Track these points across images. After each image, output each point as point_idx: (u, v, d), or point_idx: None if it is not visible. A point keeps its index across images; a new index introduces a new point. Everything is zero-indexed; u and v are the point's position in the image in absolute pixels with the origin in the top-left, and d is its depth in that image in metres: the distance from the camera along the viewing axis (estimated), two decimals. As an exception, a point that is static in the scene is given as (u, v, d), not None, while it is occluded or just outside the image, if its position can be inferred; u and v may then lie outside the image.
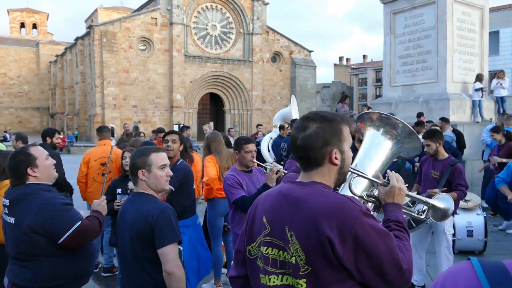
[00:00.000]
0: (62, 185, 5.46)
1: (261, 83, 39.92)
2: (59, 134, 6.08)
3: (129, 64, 34.30)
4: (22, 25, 61.81)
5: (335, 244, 1.42)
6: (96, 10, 55.70)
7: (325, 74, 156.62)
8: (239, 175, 3.94)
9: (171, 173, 2.71)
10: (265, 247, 1.60)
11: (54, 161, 2.93)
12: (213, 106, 41.47)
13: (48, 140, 5.73)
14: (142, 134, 9.51)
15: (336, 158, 1.57)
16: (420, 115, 9.74)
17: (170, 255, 2.37)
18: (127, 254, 2.53)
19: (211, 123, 34.93)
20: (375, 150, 2.20)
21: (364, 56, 70.05)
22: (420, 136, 2.59)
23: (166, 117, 36.04)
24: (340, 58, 69.84)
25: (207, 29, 37.83)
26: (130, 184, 3.24)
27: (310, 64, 43.53)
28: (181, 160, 4.31)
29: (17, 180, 2.74)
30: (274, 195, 1.66)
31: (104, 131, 6.21)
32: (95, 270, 5.68)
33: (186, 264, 3.80)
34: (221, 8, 38.47)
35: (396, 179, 1.79)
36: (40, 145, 5.46)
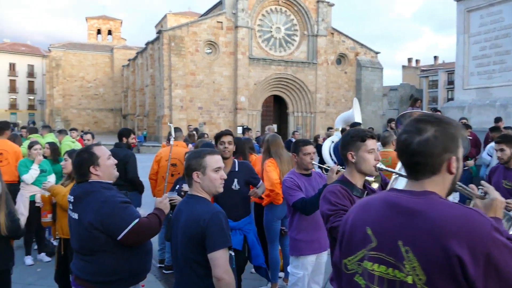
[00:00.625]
0: (135, 182, 5.69)
1: (325, 86, 39.39)
2: (134, 134, 6.33)
3: (195, 67, 35.27)
4: (99, 31, 65.86)
5: (467, 264, 1.25)
6: (165, 16, 57.98)
7: (392, 77, 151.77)
8: (298, 178, 3.82)
9: (225, 176, 2.67)
10: (371, 263, 1.45)
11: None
12: (276, 109, 41.54)
13: (124, 140, 5.96)
14: (206, 136, 9.66)
15: (453, 166, 1.42)
16: (498, 120, 9.01)
17: (220, 261, 2.33)
18: (179, 255, 2.53)
19: (275, 125, 35.04)
20: None
21: (435, 57, 66.95)
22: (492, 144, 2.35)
23: (231, 118, 36.63)
24: (409, 60, 67.31)
25: (271, 31, 37.99)
26: (185, 186, 3.25)
27: (377, 66, 42.30)
28: (236, 160, 4.32)
29: (81, 177, 2.86)
30: (378, 204, 1.50)
31: (177, 132, 6.38)
32: (160, 265, 5.83)
33: (258, 254, 3.91)
34: (285, 11, 38.46)
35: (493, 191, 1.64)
36: (116, 144, 5.87)
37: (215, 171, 2.58)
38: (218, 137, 4.37)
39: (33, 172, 5.91)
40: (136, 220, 2.66)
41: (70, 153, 4.46)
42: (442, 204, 1.36)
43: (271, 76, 37.57)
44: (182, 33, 34.74)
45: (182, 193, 3.12)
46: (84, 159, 2.84)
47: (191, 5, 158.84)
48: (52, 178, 5.93)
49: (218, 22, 35.86)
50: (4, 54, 64.90)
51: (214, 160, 2.60)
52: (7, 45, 68.17)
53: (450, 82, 54.22)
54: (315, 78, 38.84)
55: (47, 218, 4.42)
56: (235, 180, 4.05)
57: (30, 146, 6.15)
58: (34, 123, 21.17)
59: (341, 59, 41.37)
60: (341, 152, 2.65)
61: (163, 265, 5.83)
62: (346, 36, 41.40)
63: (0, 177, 3.34)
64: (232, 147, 4.27)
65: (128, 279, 2.81)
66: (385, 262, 1.41)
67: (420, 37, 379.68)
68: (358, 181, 2.62)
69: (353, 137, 2.59)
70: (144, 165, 7.77)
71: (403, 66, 66.98)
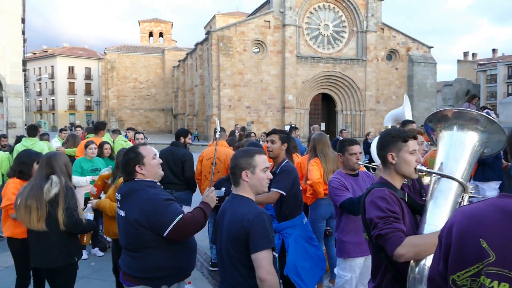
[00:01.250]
0: (190, 181, 5.87)
1: (375, 83, 38.46)
2: (191, 134, 6.50)
3: (243, 67, 35.53)
4: (150, 34, 67.88)
5: None
6: (214, 17, 58.83)
7: (446, 72, 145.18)
8: (344, 178, 3.73)
9: (271, 176, 2.67)
10: (489, 280, 1.32)
11: (161, 161, 3.07)
12: (324, 107, 41.04)
13: (182, 139, 6.13)
14: (253, 135, 9.67)
15: None
16: None
17: (263, 262, 2.31)
18: (223, 254, 2.54)
19: (323, 124, 34.64)
20: (459, 150, 1.92)
21: (493, 50, 63.54)
22: None
23: (278, 117, 36.60)
24: (465, 54, 64.33)
25: (319, 29, 37.57)
26: (217, 191, 3.27)
27: (430, 61, 40.76)
28: (286, 160, 4.20)
29: (127, 175, 2.96)
30: (491, 213, 1.36)
31: (220, 132, 6.47)
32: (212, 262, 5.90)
33: (298, 264, 3.74)
34: (333, 7, 37.90)
35: None
36: (173, 143, 6.08)
37: (263, 171, 2.57)
38: (267, 135, 4.39)
39: (83, 181, 6.20)
40: (180, 216, 2.71)
41: (119, 151, 4.65)
42: None
43: (319, 74, 37.16)
44: (230, 33, 35.11)
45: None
46: (130, 159, 2.92)
47: (239, 5, 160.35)
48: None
49: (265, 21, 35.92)
50: (64, 58, 68.54)
51: (262, 160, 2.60)
52: (66, 49, 71.94)
53: (511, 76, 51.29)
54: (365, 75, 38.01)
55: (94, 191, 4.78)
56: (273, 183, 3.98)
57: (86, 146, 6.43)
58: (93, 123, 22.21)
59: (391, 55, 40.20)
60: (379, 152, 2.52)
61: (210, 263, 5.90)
62: (397, 31, 40.17)
63: (62, 174, 3.49)
64: (275, 146, 4.16)
65: (173, 276, 2.87)
66: (509, 280, 1.28)
67: (476, 30, 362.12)
68: (397, 183, 2.50)
69: (394, 137, 2.45)
70: (194, 165, 7.92)
71: (458, 61, 64.13)
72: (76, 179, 6.16)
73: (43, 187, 3.36)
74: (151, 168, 2.96)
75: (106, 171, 5.00)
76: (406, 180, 2.79)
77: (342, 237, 3.73)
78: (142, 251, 2.80)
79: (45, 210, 3.34)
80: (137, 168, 2.90)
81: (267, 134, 4.40)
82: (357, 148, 3.78)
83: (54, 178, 3.42)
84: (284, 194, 3.84)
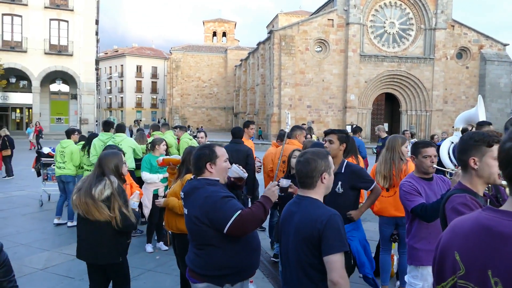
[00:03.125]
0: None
1: (443, 82, 36.70)
2: (253, 124, 6.92)
3: (305, 66, 35.29)
4: (214, 34, 69.29)
5: None
6: (277, 16, 58.92)
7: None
8: (417, 182, 3.55)
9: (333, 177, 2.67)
10: None
11: (230, 166, 3.10)
12: (388, 107, 39.79)
13: (245, 130, 6.89)
14: (308, 136, 9.60)
15: None
16: None
17: (336, 264, 2.27)
18: (291, 258, 2.50)
19: (385, 125, 33.57)
20: None
21: None
22: None
23: (339, 117, 35.99)
24: (545, 51, 59.51)
25: (384, 27, 36.44)
26: (283, 182, 3.19)
27: (505, 59, 38.21)
28: (346, 160, 4.12)
29: (196, 170, 3.00)
30: (468, 226, 1.33)
31: (293, 131, 6.64)
32: (276, 260, 5.89)
33: (364, 263, 3.74)
34: (400, 4, 36.59)
35: None
36: (235, 140, 6.35)
37: (332, 173, 2.63)
38: (325, 134, 4.30)
39: (154, 178, 6.38)
40: (238, 212, 2.70)
41: (185, 150, 4.71)
42: None
43: (383, 73, 36.08)
44: (293, 32, 34.98)
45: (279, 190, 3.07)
46: (204, 155, 2.96)
47: (302, 4, 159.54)
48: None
49: (328, 19, 35.41)
50: (132, 57, 71.80)
51: (332, 161, 2.65)
52: (135, 49, 75.29)
53: None
54: (432, 74, 36.37)
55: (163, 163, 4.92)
56: (339, 183, 3.86)
57: (154, 143, 6.63)
58: (158, 121, 23.01)
59: (462, 53, 38.14)
60: (460, 156, 2.39)
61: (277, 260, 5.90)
62: (469, 28, 38.03)
63: (112, 173, 3.58)
64: (333, 146, 4.06)
65: (236, 274, 2.86)
66: None
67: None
68: (479, 190, 2.36)
69: (478, 141, 2.32)
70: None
71: (537, 59, 59.61)
72: (146, 175, 6.37)
73: (93, 187, 3.45)
74: (220, 170, 2.99)
75: (178, 157, 5.15)
76: (487, 188, 2.62)
77: (413, 243, 3.57)
78: (206, 248, 2.84)
79: (101, 204, 3.42)
80: (207, 165, 2.94)
81: (326, 134, 4.29)
82: (432, 151, 3.58)
83: (107, 180, 3.49)
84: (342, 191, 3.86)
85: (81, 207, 3.45)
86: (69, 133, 8.29)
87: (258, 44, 42.77)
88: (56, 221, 7.74)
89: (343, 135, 4.14)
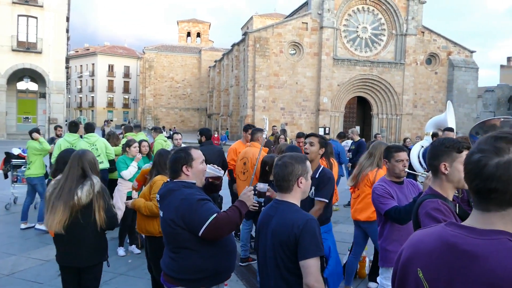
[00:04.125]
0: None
1: (413, 87, 37.57)
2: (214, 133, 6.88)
3: (279, 68, 35.47)
4: (188, 34, 68.88)
5: None
6: (251, 18, 59.07)
7: (487, 77, 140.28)
8: (389, 186, 3.64)
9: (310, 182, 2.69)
10: None
11: (206, 168, 3.09)
12: (360, 110, 40.44)
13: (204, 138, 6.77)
14: (282, 137, 9.66)
15: None
16: None
17: (312, 269, 2.29)
18: (268, 262, 2.52)
19: (357, 128, 34.13)
20: None
21: (539, 56, 60.79)
22: None
23: (312, 120, 36.33)
24: (508, 59, 61.81)
25: (357, 31, 37.04)
26: (260, 186, 3.20)
27: (472, 65, 39.45)
28: (322, 166, 4.17)
29: (172, 174, 2.99)
30: (432, 242, 1.28)
31: (255, 134, 6.57)
32: (241, 264, 5.91)
33: (336, 270, 3.69)
34: (373, 10, 37.27)
35: None
36: (207, 142, 6.33)
37: (310, 177, 2.63)
38: (305, 137, 4.35)
39: (132, 169, 6.29)
40: (214, 216, 2.70)
41: (156, 152, 4.69)
42: (510, 251, 1.10)
43: (355, 77, 36.64)
44: (267, 34, 35.12)
45: (256, 192, 3.07)
46: (180, 158, 2.96)
47: (276, 7, 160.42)
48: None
49: (303, 23, 35.72)
50: (104, 56, 70.56)
51: (310, 166, 2.66)
52: (107, 48, 74.01)
53: (558, 84, 48.97)
54: (402, 79, 37.18)
55: (138, 190, 4.73)
56: (313, 188, 3.90)
57: (128, 144, 6.54)
58: (129, 122, 22.65)
59: (431, 58, 39.15)
60: (431, 161, 2.47)
61: (244, 264, 5.91)
62: (438, 34, 39.09)
63: (96, 174, 3.52)
64: (314, 148, 4.12)
65: (212, 278, 2.85)
66: None
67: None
68: (449, 194, 2.43)
69: (448, 147, 2.39)
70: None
71: (502, 66, 61.69)
72: (125, 172, 6.32)
73: (74, 191, 3.32)
74: (197, 172, 2.99)
75: (147, 166, 5.10)
76: (457, 191, 2.70)
77: (386, 245, 3.64)
78: (181, 252, 2.82)
79: (68, 214, 3.30)
80: (184, 168, 2.94)
81: (306, 136, 4.38)
82: (404, 155, 3.67)
83: (90, 181, 3.38)
84: (327, 202, 3.87)
85: (46, 216, 3.34)
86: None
87: (233, 45, 42.74)
88: (23, 226, 7.48)
89: (323, 140, 4.22)
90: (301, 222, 2.36)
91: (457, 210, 2.37)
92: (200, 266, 2.79)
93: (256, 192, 3.02)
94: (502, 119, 2.15)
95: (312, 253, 2.31)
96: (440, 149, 2.42)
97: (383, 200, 3.52)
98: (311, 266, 2.29)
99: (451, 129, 6.82)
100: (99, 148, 7.26)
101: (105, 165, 7.29)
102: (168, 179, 3.08)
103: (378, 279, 3.88)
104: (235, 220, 2.80)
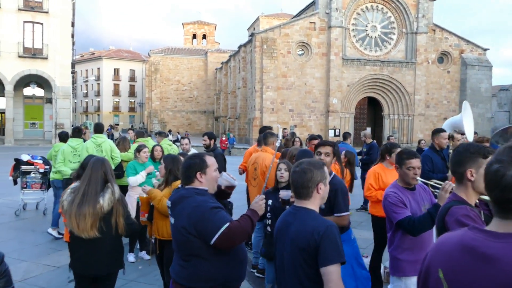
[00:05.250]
0: None
1: (424, 86, 37.37)
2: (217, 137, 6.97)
3: (287, 69, 35.48)
4: (194, 36, 69.19)
5: None
6: (258, 18, 59.18)
7: (500, 75, 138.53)
8: (401, 193, 3.59)
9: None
10: None
11: (219, 175, 3.12)
12: (371, 111, 40.30)
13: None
14: (297, 139, 9.63)
15: None
16: None
17: (333, 276, 2.29)
18: (287, 269, 2.52)
19: (368, 129, 34.00)
20: None
21: (555, 52, 60.10)
22: None
23: (322, 121, 36.28)
24: (523, 56, 61.17)
25: (366, 30, 36.96)
26: (283, 193, 3.21)
27: (485, 64, 39.14)
28: (334, 173, 4.13)
29: (185, 180, 3.00)
30: (452, 245, 1.34)
31: (267, 138, 6.46)
32: (252, 270, 5.93)
33: (345, 283, 3.69)
34: (382, 8, 37.19)
35: None
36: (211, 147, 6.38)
37: (328, 183, 2.65)
38: (316, 146, 4.30)
39: (140, 178, 6.35)
40: (227, 224, 2.72)
41: (166, 158, 4.72)
42: None
43: (365, 77, 36.55)
44: (274, 35, 35.18)
45: (280, 200, 3.09)
46: (195, 164, 2.97)
47: (283, 7, 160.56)
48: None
49: (310, 22, 35.73)
50: (109, 60, 71.08)
51: (327, 171, 2.67)
52: (112, 52, 74.56)
53: None
54: (414, 78, 37.00)
55: (144, 217, 4.73)
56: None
57: (138, 150, 6.61)
58: (132, 127, 22.75)
59: (443, 57, 38.92)
60: (455, 168, 2.46)
61: (255, 270, 5.92)
62: (450, 32, 38.85)
63: (113, 180, 3.58)
64: (329, 159, 4.14)
65: (223, 286, 2.87)
66: None
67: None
68: (472, 201, 2.43)
69: (474, 153, 2.39)
70: (235, 168, 7.99)
71: (516, 64, 61.22)
72: (131, 179, 6.37)
73: (99, 194, 3.39)
74: (211, 179, 3.01)
75: (143, 192, 4.79)
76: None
77: (397, 254, 3.63)
78: (192, 260, 2.84)
79: (97, 217, 3.38)
80: (198, 175, 2.95)
81: (318, 145, 4.28)
82: (416, 162, 3.62)
83: (111, 188, 3.46)
84: (347, 213, 3.85)
85: (72, 223, 3.37)
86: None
87: (239, 47, 42.85)
88: (53, 232, 7.51)
89: (337, 149, 4.22)
90: (321, 229, 2.38)
91: (482, 217, 2.38)
92: (211, 275, 2.81)
93: (280, 200, 3.04)
94: None
95: (333, 260, 2.32)
96: (465, 155, 2.42)
97: (396, 209, 3.49)
98: (332, 273, 2.29)
99: (441, 130, 6.72)
100: (104, 150, 7.33)
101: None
102: (179, 185, 3.11)
103: (388, 287, 3.87)
104: (247, 229, 2.82)
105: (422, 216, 3.34)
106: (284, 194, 3.04)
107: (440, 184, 3.56)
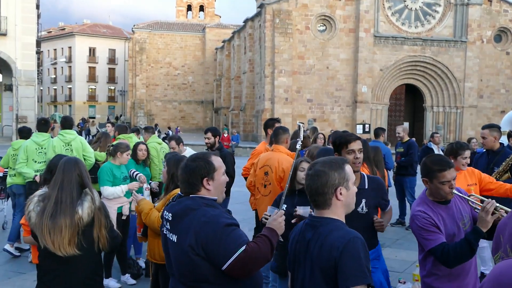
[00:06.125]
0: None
1: (477, 71, 37.20)
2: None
3: (304, 49, 35.47)
4: (189, 7, 69.13)
5: None
6: (268, -15, 59.10)
7: None
8: (432, 211, 3.53)
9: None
10: None
11: (227, 179, 3.11)
12: (409, 102, 40.20)
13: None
14: (321, 136, 9.63)
15: None
16: None
17: None
18: None
19: (406, 124, 33.88)
20: None
21: None
22: None
23: (348, 114, 36.24)
24: None
25: (405, 1, 36.81)
26: (301, 210, 3.17)
27: (554, 43, 38.86)
28: (363, 173, 4.22)
29: (189, 187, 2.94)
30: None
31: (279, 135, 6.40)
32: None
33: None
34: (425, -27, 37.03)
35: None
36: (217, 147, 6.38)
37: (353, 184, 2.62)
38: (343, 143, 4.20)
39: (119, 192, 6.31)
40: (243, 248, 2.70)
41: (169, 160, 4.67)
42: None
43: (403, 60, 36.45)
44: (289, 6, 35.16)
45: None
46: (199, 168, 2.91)
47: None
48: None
49: (335, -10, 35.66)
50: (84, 37, 71.31)
51: (350, 170, 2.64)
52: (87, 27, 74.83)
53: None
54: (464, 61, 36.86)
55: (139, 233, 4.73)
56: (363, 201, 3.91)
57: (116, 149, 6.58)
58: (117, 118, 22.87)
59: (501, 35, 38.72)
60: None
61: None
62: (510, 3, 38.62)
63: (90, 185, 3.58)
64: (361, 156, 4.14)
65: None
66: None
67: None
68: None
69: None
70: (240, 171, 7.96)
71: None
72: (108, 190, 6.27)
73: (76, 202, 3.37)
74: (219, 186, 2.99)
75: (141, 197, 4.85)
76: None
77: (430, 282, 3.61)
78: (200, 286, 2.82)
79: (76, 230, 3.35)
80: (204, 181, 2.91)
81: (345, 142, 4.26)
82: (452, 174, 3.51)
83: (91, 194, 3.45)
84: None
85: (44, 239, 3.33)
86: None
87: (245, 21, 42.89)
88: (10, 249, 7.51)
89: (365, 141, 4.23)
90: (341, 242, 2.37)
91: None
92: None
93: (295, 215, 3.03)
94: None
95: (355, 281, 2.29)
96: None
97: (426, 234, 3.45)
98: None
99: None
100: (75, 149, 7.33)
101: None
102: (181, 193, 3.05)
103: None
104: (266, 254, 2.79)
105: (458, 245, 3.30)
106: (302, 211, 3.01)
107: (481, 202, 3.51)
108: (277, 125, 7.06)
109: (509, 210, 3.22)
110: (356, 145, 4.06)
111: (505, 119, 7.62)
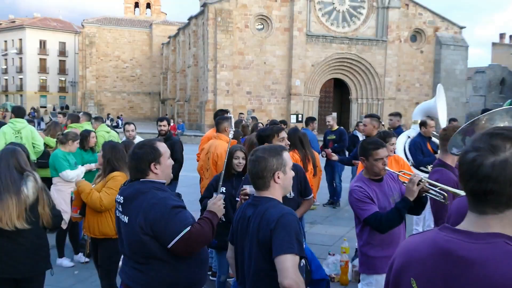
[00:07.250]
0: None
1: (396, 67, 38.40)
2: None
3: (244, 46, 35.43)
4: (136, 5, 67.54)
5: None
6: (211, -14, 58.50)
7: (477, 56, 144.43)
8: (367, 186, 3.74)
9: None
10: None
11: (173, 162, 3.14)
12: (337, 94, 41.03)
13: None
14: (260, 125, 9.73)
15: None
16: None
17: (285, 264, 2.27)
18: (252, 269, 2.55)
19: (335, 114, 34.62)
20: None
21: (534, 33, 63.25)
22: None
23: (283, 105, 36.59)
24: (501, 35, 64.07)
25: (333, 3, 37.37)
26: (249, 188, 3.25)
27: (461, 43, 40.64)
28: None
29: (137, 173, 2.94)
30: (425, 249, 1.35)
31: (219, 124, 6.49)
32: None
33: (319, 264, 3.79)
34: (351, -22, 37.72)
35: None
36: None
37: (291, 169, 2.68)
38: (275, 132, 4.47)
39: (79, 173, 6.19)
40: (187, 229, 2.73)
41: (104, 145, 4.67)
42: (509, 255, 1.19)
43: (331, 56, 37.09)
44: (230, 6, 34.96)
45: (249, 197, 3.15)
46: (146, 154, 2.91)
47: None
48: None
49: (271, -8, 35.75)
50: (34, 30, 68.26)
51: (289, 157, 2.71)
52: (37, 20, 71.63)
53: (553, 64, 51.12)
54: (384, 58, 37.90)
55: (76, 214, 4.69)
56: None
57: (67, 137, 6.42)
58: (67, 107, 22.18)
59: (416, 35, 40.05)
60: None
61: (209, 272, 5.98)
62: (424, 8, 39.95)
63: (35, 168, 3.56)
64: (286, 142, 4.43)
65: None
66: None
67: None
68: None
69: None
70: (187, 157, 7.95)
71: (493, 44, 63.84)
72: (71, 173, 6.13)
73: (19, 182, 3.37)
74: (166, 169, 3.00)
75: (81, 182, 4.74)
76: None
77: (366, 251, 3.80)
78: (150, 263, 2.83)
79: (23, 207, 3.34)
80: (152, 166, 2.91)
81: (274, 133, 4.55)
82: (384, 152, 3.75)
83: (32, 175, 3.46)
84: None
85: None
86: None
87: (190, 18, 42.30)
88: None
89: (294, 136, 4.43)
90: (275, 217, 2.42)
91: None
92: (173, 278, 2.83)
93: (241, 194, 3.09)
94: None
95: (286, 249, 2.31)
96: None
97: (362, 205, 3.64)
98: (283, 262, 2.28)
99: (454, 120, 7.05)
100: (24, 137, 7.13)
101: (31, 158, 7.19)
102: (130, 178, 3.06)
103: (359, 286, 4.04)
104: (208, 235, 2.83)
105: (389, 212, 3.52)
106: (249, 190, 3.08)
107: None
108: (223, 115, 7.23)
109: (431, 181, 3.50)
110: (283, 134, 4.47)
111: (417, 109, 7.94)
